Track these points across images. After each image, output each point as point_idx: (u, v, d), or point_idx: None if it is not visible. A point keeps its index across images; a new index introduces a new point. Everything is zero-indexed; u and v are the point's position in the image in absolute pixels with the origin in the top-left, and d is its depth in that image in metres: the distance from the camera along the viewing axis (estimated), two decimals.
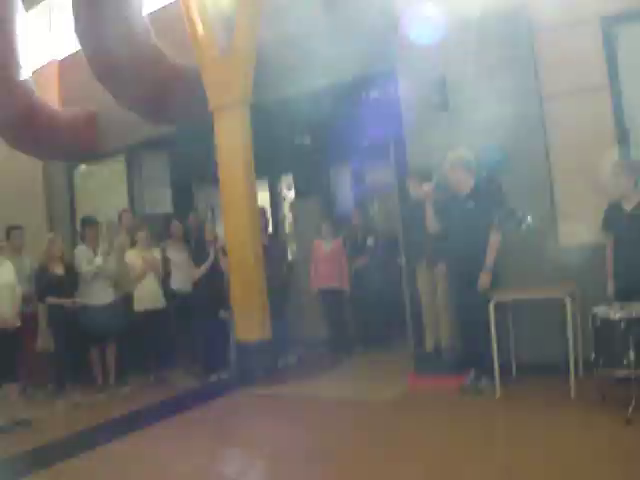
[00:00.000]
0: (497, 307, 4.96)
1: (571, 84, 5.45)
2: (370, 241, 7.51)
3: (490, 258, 5.11)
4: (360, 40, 6.62)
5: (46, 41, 9.79)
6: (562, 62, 5.47)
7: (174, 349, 7.47)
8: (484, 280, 5.10)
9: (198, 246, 6.84)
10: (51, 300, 6.26)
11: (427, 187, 5.59)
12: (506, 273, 5.36)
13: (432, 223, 5.62)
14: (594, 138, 5.34)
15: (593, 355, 4.43)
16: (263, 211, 7.49)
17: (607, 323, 4.26)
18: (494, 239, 5.14)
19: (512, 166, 5.60)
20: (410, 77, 6.14)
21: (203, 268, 6.74)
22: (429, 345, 5.90)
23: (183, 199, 9.14)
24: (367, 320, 7.50)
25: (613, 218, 4.86)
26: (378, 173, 9.36)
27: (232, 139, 6.91)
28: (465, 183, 5.29)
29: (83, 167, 9.46)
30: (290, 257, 8.44)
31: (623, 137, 5.25)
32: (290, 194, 9.39)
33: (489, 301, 4.91)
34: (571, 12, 5.43)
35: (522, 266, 5.53)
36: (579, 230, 5.40)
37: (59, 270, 6.38)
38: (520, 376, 5.47)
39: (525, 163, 5.58)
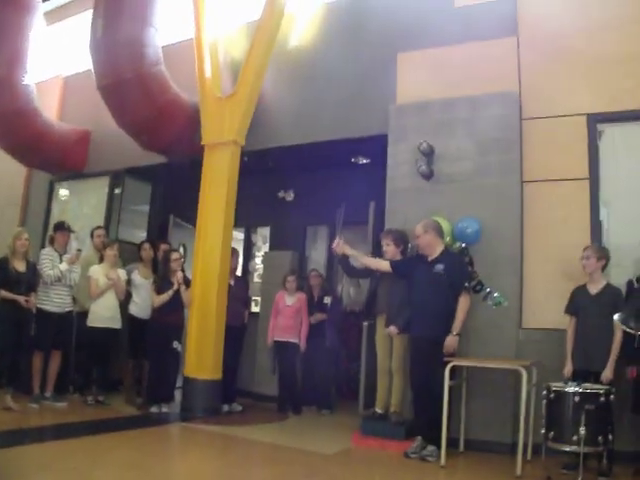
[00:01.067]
0: (451, 378, 4.86)
1: (553, 171, 5.60)
2: (327, 300, 7.41)
3: (459, 321, 5.04)
4: (358, 105, 6.82)
5: (57, 56, 9.89)
6: (547, 150, 5.65)
7: (120, 373, 7.22)
8: (450, 343, 5.00)
9: (163, 275, 6.69)
10: (4, 294, 5.88)
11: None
12: (465, 345, 5.30)
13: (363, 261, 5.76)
14: (569, 224, 5.44)
15: (543, 430, 4.32)
16: (236, 252, 7.43)
17: (560, 396, 4.21)
18: (465, 302, 5.08)
19: (486, 243, 5.64)
20: (400, 144, 6.26)
21: (165, 296, 6.57)
22: (379, 406, 5.73)
23: (158, 231, 9.01)
24: (319, 380, 7.33)
25: (577, 300, 4.89)
26: (355, 234, 9.39)
27: (219, 176, 6.98)
28: (435, 247, 5.30)
29: (66, 182, 9.33)
30: (253, 306, 8.31)
31: (597, 228, 5.36)
32: (265, 246, 9.31)
33: (445, 364, 4.80)
34: (560, 105, 5.66)
35: (482, 341, 5.49)
36: (543, 312, 5.41)
37: (20, 267, 6.06)
38: (468, 451, 5.30)
39: (499, 240, 5.63)
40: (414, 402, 5.32)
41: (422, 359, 5.12)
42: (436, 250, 5.29)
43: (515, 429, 4.95)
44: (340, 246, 5.75)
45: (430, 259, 5.29)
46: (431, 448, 5.00)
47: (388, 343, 5.68)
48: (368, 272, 5.91)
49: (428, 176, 6.01)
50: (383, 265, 5.55)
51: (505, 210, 5.66)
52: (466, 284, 5.12)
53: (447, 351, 4.98)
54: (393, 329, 5.50)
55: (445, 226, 5.65)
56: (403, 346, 5.53)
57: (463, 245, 5.68)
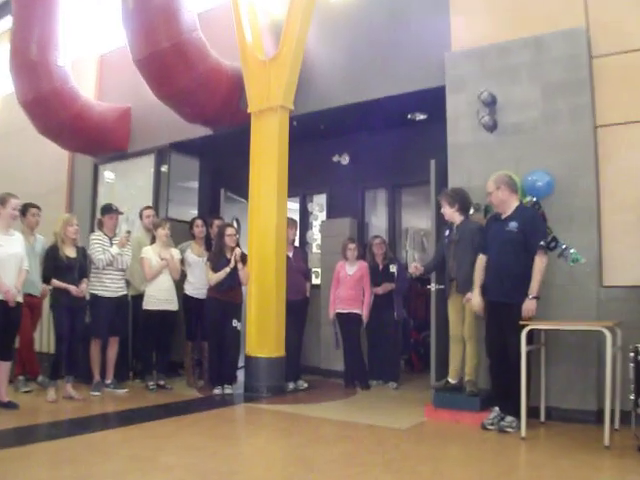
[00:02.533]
0: (529, 343, 4.80)
1: (630, 112, 5.37)
2: (394, 268, 7.41)
3: (536, 282, 4.95)
4: (410, 56, 6.72)
5: (91, 34, 10.10)
6: (621, 89, 5.42)
7: (180, 356, 7.44)
8: (528, 307, 4.92)
9: (219, 252, 6.78)
10: (56, 283, 6.06)
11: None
12: (542, 307, 5.19)
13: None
14: None
15: (632, 396, 4.25)
16: (293, 223, 7.47)
17: None
18: (541, 262, 4.97)
19: (559, 196, 5.53)
20: (459, 95, 6.17)
21: (221, 274, 6.65)
22: (452, 376, 5.74)
23: (209, 207, 9.17)
24: (386, 352, 7.35)
25: None
26: (416, 196, 9.42)
27: (268, 144, 7.01)
28: (509, 203, 5.21)
29: (110, 164, 9.57)
30: (314, 278, 8.39)
31: None
32: (322, 214, 9.32)
33: (521, 328, 4.74)
34: (635, 38, 5.39)
35: (559, 302, 5.42)
36: (625, 268, 5.28)
37: (71, 253, 6.21)
38: (549, 420, 5.27)
39: (573, 192, 5.50)
40: (490, 370, 5.29)
41: (498, 324, 5.09)
42: (510, 206, 5.20)
43: (600, 396, 4.90)
44: (419, 272, 5.88)
45: (503, 217, 5.20)
46: (510, 419, 4.97)
47: (460, 309, 5.66)
48: (442, 256, 5.87)
49: (491, 128, 5.93)
50: (481, 260, 5.40)
51: (578, 159, 5.52)
52: (541, 242, 5.00)
53: (525, 316, 4.90)
54: (471, 297, 5.42)
55: (515, 177, 5.51)
56: (473, 310, 5.46)
57: (534, 199, 5.58)
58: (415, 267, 5.88)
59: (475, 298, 5.30)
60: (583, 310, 5.31)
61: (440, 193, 5.84)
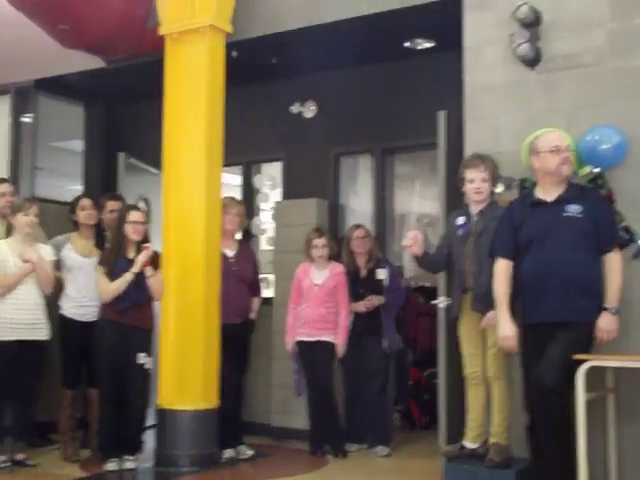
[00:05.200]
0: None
1: None
2: (382, 274, 7.40)
3: (615, 291, 4.96)
4: None
5: None
6: None
7: (52, 413, 7.28)
8: (610, 325, 4.92)
9: (116, 249, 6.62)
10: None
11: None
12: None
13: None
14: None
15: None
16: (234, 203, 7.39)
17: None
18: (619, 262, 5.01)
19: (633, 162, 5.48)
20: (483, 11, 6.14)
21: (121, 283, 6.49)
22: (470, 438, 5.69)
23: (101, 180, 9.13)
24: (372, 402, 7.32)
25: None
26: (415, 165, 9.45)
27: (192, 84, 6.96)
28: (564, 178, 5.19)
29: None
30: (264, 289, 8.29)
31: None
32: (275, 193, 9.33)
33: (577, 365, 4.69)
34: None
35: (636, 325, 5.38)
36: None
37: None
38: None
39: None
40: (530, 431, 5.21)
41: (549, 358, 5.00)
42: (564, 179, 5.21)
43: None
44: (419, 243, 5.80)
45: (552, 198, 5.17)
46: None
47: (479, 336, 5.68)
48: (450, 246, 5.94)
49: (532, 61, 5.88)
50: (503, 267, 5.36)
51: None
52: (621, 233, 5.09)
53: (605, 339, 4.93)
54: (493, 317, 5.38)
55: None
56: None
57: (595, 170, 5.52)
58: (415, 237, 5.77)
59: (504, 324, 5.20)
60: None
61: (476, 157, 5.80)
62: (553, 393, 4.78)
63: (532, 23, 5.80)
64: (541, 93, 5.87)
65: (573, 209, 5.05)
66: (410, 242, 5.77)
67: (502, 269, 5.26)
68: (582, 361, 4.68)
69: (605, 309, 4.92)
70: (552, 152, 5.13)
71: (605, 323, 4.91)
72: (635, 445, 5.27)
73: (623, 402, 5.27)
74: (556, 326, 4.98)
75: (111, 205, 7.36)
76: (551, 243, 5.09)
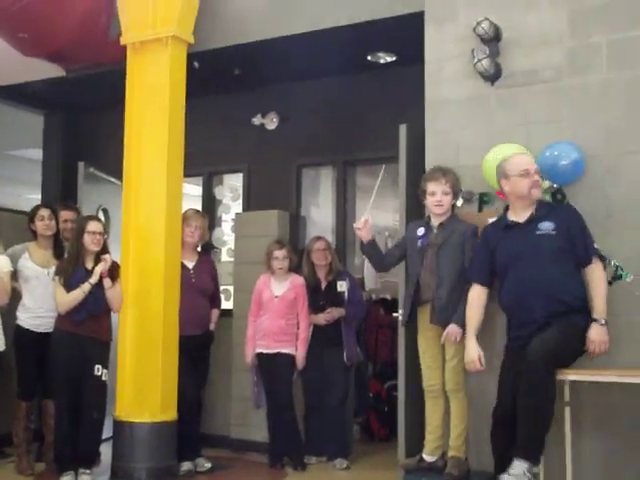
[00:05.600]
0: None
1: None
2: (342, 286, 7.42)
3: (601, 301, 4.99)
4: None
5: None
6: None
7: (5, 425, 7.25)
8: (602, 337, 4.94)
9: (74, 259, 6.55)
10: None
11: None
12: None
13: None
14: None
15: None
16: (195, 215, 7.36)
17: None
18: (600, 272, 5.06)
19: (592, 181, 5.52)
20: (445, 26, 6.19)
21: (78, 293, 6.43)
22: (429, 451, 5.71)
23: (60, 189, 9.04)
24: (331, 414, 7.32)
25: None
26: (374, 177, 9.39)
27: (154, 94, 6.94)
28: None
29: None
30: (223, 301, 8.28)
31: None
32: (236, 204, 9.29)
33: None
34: None
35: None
36: None
37: None
38: None
39: (614, 178, 5.48)
40: (494, 439, 5.18)
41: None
42: (534, 201, 5.26)
43: None
44: (368, 228, 5.88)
45: (524, 219, 5.22)
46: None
47: (438, 349, 5.72)
48: (404, 253, 6.01)
49: (492, 76, 5.92)
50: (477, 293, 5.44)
51: (624, 125, 5.50)
52: (596, 246, 5.09)
53: (595, 350, 4.96)
54: (454, 331, 5.47)
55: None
56: (460, 350, 5.52)
57: (555, 185, 5.59)
58: (365, 221, 5.88)
59: (470, 349, 5.28)
60: (634, 352, 5.27)
61: (438, 170, 5.82)
62: (542, 364, 4.79)
63: (492, 39, 5.84)
64: (501, 108, 5.90)
65: (545, 226, 5.10)
66: (361, 225, 5.85)
67: (475, 295, 5.35)
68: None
69: (594, 320, 4.95)
70: (522, 176, 5.16)
71: (596, 334, 4.94)
72: (592, 459, 5.27)
73: (579, 417, 5.24)
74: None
75: (64, 215, 7.33)
76: (527, 262, 5.14)
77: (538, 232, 5.11)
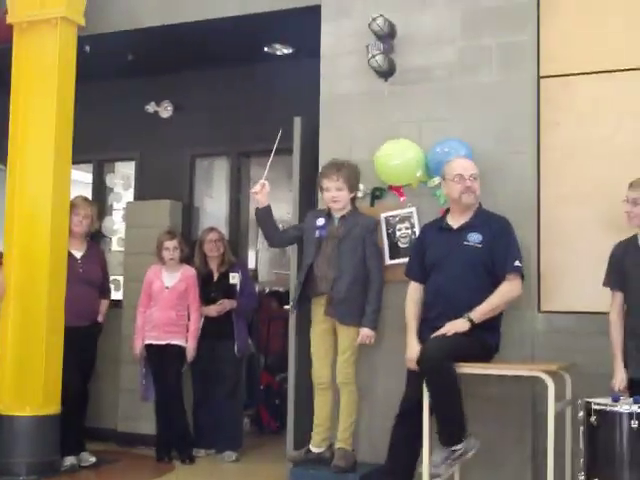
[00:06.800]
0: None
1: (593, 59, 5.55)
2: (235, 278, 7.43)
3: (488, 307, 4.99)
4: None
5: None
6: (582, 24, 5.61)
7: None
8: (452, 325, 4.93)
9: None
10: None
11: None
12: None
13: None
14: (618, 145, 5.44)
15: (582, 476, 4.29)
16: (84, 203, 7.23)
17: (608, 419, 4.19)
18: (510, 288, 5.05)
19: (480, 175, 5.45)
20: (341, 22, 6.19)
21: None
22: (316, 442, 5.70)
23: None
24: (221, 406, 7.31)
25: (626, 264, 4.84)
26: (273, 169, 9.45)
27: (41, 76, 6.77)
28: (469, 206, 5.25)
29: None
30: (113, 292, 8.17)
31: None
32: (127, 193, 9.22)
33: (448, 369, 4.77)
34: None
35: None
36: (575, 287, 5.45)
37: None
38: None
39: (501, 174, 5.57)
40: (396, 431, 5.22)
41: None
42: (470, 207, 5.26)
43: (539, 476, 4.95)
44: (265, 192, 5.83)
45: (457, 225, 5.25)
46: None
47: (330, 342, 5.71)
48: (300, 235, 6.00)
49: (386, 72, 5.94)
50: (411, 289, 5.45)
51: (511, 123, 5.62)
52: (517, 262, 5.06)
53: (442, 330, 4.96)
54: (367, 334, 5.52)
55: (414, 153, 5.70)
56: (353, 344, 5.56)
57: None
58: (262, 185, 5.84)
59: (410, 346, 5.24)
60: (513, 346, 5.34)
61: (331, 165, 5.79)
62: (438, 360, 4.80)
63: (387, 35, 5.85)
64: (394, 104, 5.92)
65: (474, 238, 5.12)
66: (258, 189, 5.81)
67: (411, 292, 5.38)
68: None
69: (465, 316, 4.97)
70: (454, 180, 5.18)
71: (453, 323, 4.92)
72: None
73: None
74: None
75: None
76: (447, 269, 5.17)
77: (465, 243, 5.13)
